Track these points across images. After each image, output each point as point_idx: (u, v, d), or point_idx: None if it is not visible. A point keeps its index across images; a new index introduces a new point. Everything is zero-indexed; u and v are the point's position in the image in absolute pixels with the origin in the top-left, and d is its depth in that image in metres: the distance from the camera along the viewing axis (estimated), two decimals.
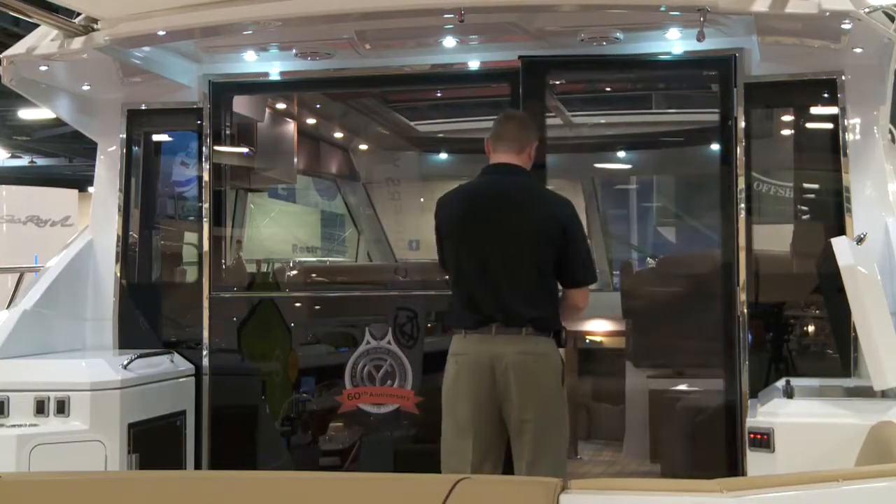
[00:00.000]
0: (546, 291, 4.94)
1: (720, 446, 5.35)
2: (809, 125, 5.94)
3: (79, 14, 5.55)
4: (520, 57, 5.66)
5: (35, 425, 5.24)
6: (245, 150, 7.12)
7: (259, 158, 7.47)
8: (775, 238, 5.95)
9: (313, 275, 8.25)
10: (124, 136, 6.44)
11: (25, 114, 16.68)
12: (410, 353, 5.97)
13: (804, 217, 6.01)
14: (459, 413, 4.82)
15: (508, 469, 4.91)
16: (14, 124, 18.24)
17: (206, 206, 6.22)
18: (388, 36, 5.74)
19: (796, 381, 4.95)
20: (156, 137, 6.63)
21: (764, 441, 4.52)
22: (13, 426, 5.22)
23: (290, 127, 7.86)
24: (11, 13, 5.79)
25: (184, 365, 6.08)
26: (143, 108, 6.47)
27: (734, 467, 5.24)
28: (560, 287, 5.03)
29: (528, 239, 4.88)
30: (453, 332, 4.97)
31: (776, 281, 5.74)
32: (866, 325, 4.56)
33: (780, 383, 4.96)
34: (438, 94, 7.87)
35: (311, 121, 8.52)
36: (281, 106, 7.67)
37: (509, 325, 4.82)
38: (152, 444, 5.60)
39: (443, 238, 5.06)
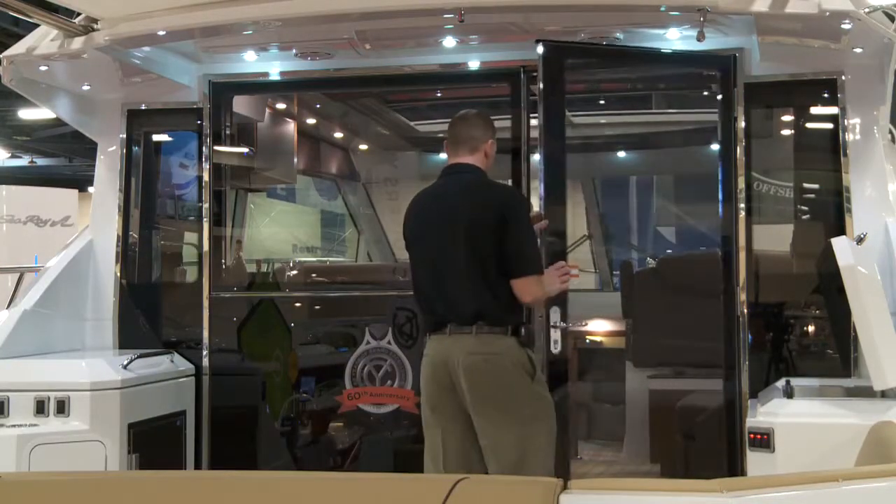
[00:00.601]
0: (490, 285, 4.77)
1: (720, 446, 5.35)
2: (809, 125, 5.94)
3: (79, 14, 5.55)
4: (538, 41, 5.57)
5: (35, 425, 5.24)
6: (245, 150, 7.12)
7: (259, 158, 7.47)
8: (775, 238, 5.95)
9: (313, 275, 8.25)
10: (124, 136, 6.44)
11: (25, 114, 16.67)
12: (410, 353, 5.97)
13: (804, 217, 6.01)
14: (426, 414, 4.87)
15: None
16: (14, 124, 18.23)
17: (206, 206, 6.22)
18: (388, 36, 5.74)
19: (796, 381, 4.95)
20: (156, 137, 6.64)
21: (764, 441, 4.52)
22: (13, 426, 5.22)
23: (290, 127, 7.86)
24: (11, 13, 5.79)
25: (184, 365, 6.08)
26: (143, 108, 6.47)
27: (734, 467, 5.24)
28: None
29: (465, 232, 4.79)
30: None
31: (776, 281, 5.73)
32: (866, 325, 4.56)
33: (780, 383, 4.97)
34: (438, 94, 7.87)
35: (311, 121, 8.52)
36: (281, 106, 7.67)
37: (461, 325, 4.77)
38: (152, 444, 5.60)
39: (406, 245, 5.10)
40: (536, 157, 8.85)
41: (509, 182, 5.91)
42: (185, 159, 6.66)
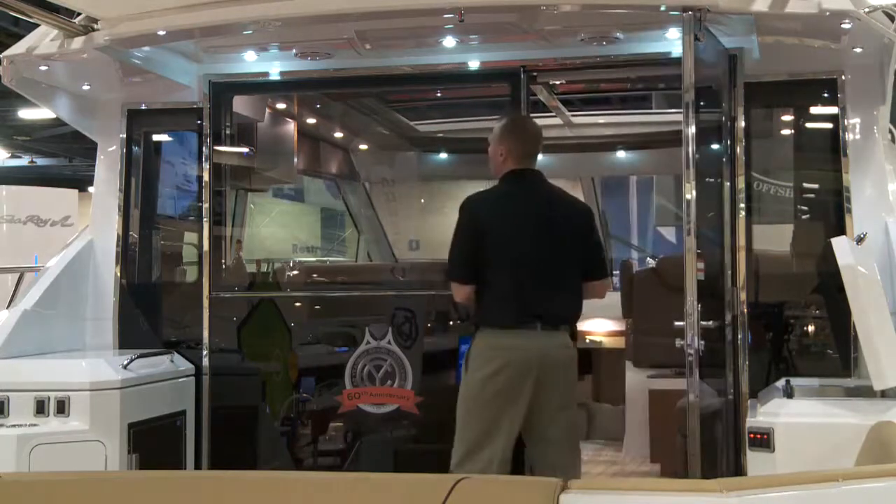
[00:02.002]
0: (580, 287, 5.31)
1: (720, 446, 5.35)
2: (809, 125, 5.94)
3: (79, 14, 5.55)
4: None
5: (35, 425, 5.24)
6: (245, 149, 7.12)
7: (259, 158, 7.47)
8: (775, 238, 5.95)
9: (313, 275, 8.25)
10: (124, 136, 6.44)
11: (25, 114, 16.67)
12: (410, 353, 5.97)
13: (804, 217, 6.01)
14: (493, 408, 5.04)
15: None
16: (14, 124, 18.22)
17: (206, 206, 6.22)
18: (388, 36, 5.74)
19: (796, 381, 4.95)
20: (156, 137, 6.63)
21: (764, 441, 4.52)
22: (13, 426, 5.22)
23: (290, 127, 7.86)
24: (11, 13, 5.79)
25: (184, 365, 6.07)
26: (143, 108, 6.47)
27: (734, 467, 5.24)
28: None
29: (567, 237, 5.24)
30: (483, 328, 5.17)
31: (776, 281, 5.73)
32: (866, 325, 4.56)
33: (780, 383, 4.97)
34: (438, 94, 7.87)
35: (311, 121, 8.52)
36: (281, 106, 7.67)
37: (554, 323, 5.14)
38: (152, 444, 5.60)
39: (484, 237, 5.18)
40: (538, 157, 8.89)
41: None
42: (185, 159, 6.66)
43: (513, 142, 5.32)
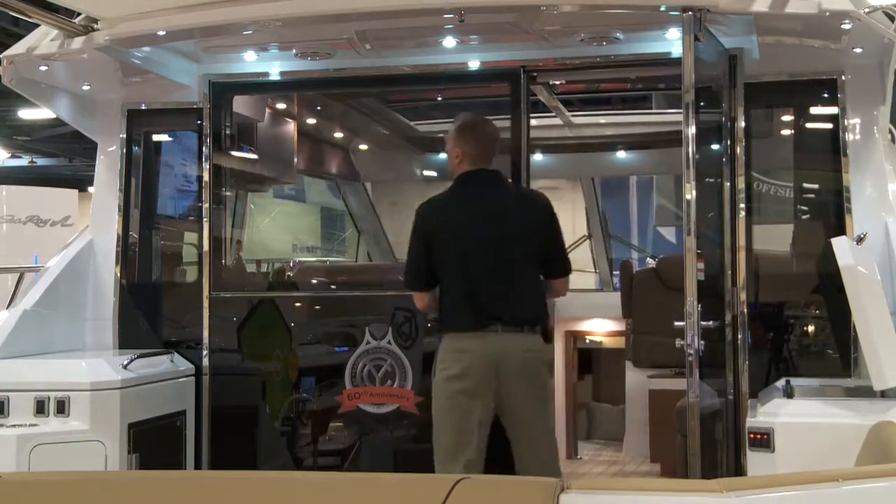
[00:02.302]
0: (539, 286, 5.24)
1: (720, 446, 5.35)
2: (809, 125, 5.94)
3: (79, 14, 5.55)
4: None
5: (35, 425, 5.24)
6: (245, 149, 7.12)
7: (259, 158, 7.47)
8: (775, 238, 5.95)
9: (313, 275, 8.25)
10: (124, 136, 6.44)
11: (25, 114, 16.66)
12: (410, 353, 5.97)
13: (804, 217, 6.01)
14: (461, 398, 5.03)
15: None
16: (14, 124, 18.22)
17: (206, 206, 6.22)
18: (388, 36, 5.74)
19: (796, 381, 4.95)
20: (156, 137, 6.63)
21: (764, 441, 4.52)
22: (13, 426, 5.22)
23: (290, 127, 7.86)
24: (11, 13, 5.79)
25: (184, 365, 6.07)
26: (143, 108, 6.47)
27: (734, 467, 5.24)
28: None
29: (521, 236, 5.15)
30: (446, 332, 5.17)
31: (776, 281, 5.73)
32: (866, 325, 4.56)
33: (780, 383, 4.97)
34: (438, 95, 7.87)
35: (311, 121, 8.52)
36: (281, 106, 7.67)
37: (514, 324, 5.06)
38: (152, 444, 5.60)
39: (435, 242, 5.18)
40: (537, 157, 8.90)
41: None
42: (185, 159, 6.66)
43: (466, 143, 5.26)
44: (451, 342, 5.12)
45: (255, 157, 7.28)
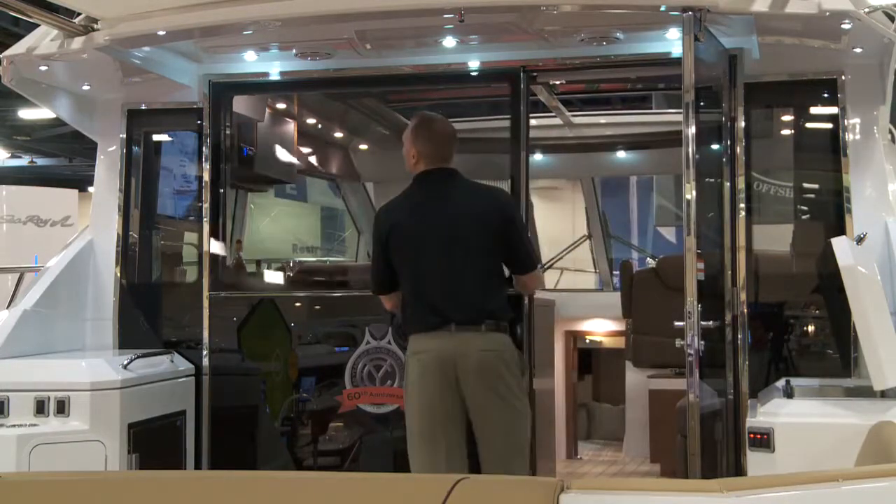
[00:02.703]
0: (496, 284, 5.13)
1: (720, 446, 5.35)
2: (809, 125, 5.94)
3: (79, 14, 5.55)
4: None
5: (35, 425, 5.24)
6: (245, 149, 7.12)
7: (259, 158, 7.47)
8: (775, 238, 5.95)
9: (313, 275, 8.24)
10: (124, 136, 6.44)
11: (25, 114, 16.66)
12: None
13: (804, 217, 6.01)
14: (422, 415, 4.98)
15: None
16: (14, 124, 18.22)
17: (206, 206, 6.22)
18: (388, 36, 5.74)
19: (796, 381, 4.95)
20: (156, 137, 6.63)
21: (764, 441, 4.52)
22: (13, 426, 5.22)
23: (290, 127, 7.86)
24: (11, 13, 5.79)
25: (184, 365, 6.07)
26: (143, 108, 6.47)
27: (734, 467, 5.24)
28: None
29: (471, 234, 5.04)
30: (409, 334, 5.12)
31: (776, 281, 5.73)
32: (866, 325, 4.56)
33: (780, 383, 4.97)
34: (438, 95, 7.87)
35: (311, 121, 8.52)
36: (281, 106, 7.67)
37: (468, 324, 4.97)
38: (152, 444, 5.60)
39: (391, 244, 5.13)
40: (538, 157, 8.90)
41: (508, 182, 5.89)
42: (185, 159, 6.66)
43: (421, 142, 5.18)
44: (412, 344, 5.08)
45: (254, 156, 7.28)
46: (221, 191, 6.36)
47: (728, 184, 5.60)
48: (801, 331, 5.72)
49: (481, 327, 4.97)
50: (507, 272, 5.28)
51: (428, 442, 4.97)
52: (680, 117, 4.81)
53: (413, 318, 5.09)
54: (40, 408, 5.28)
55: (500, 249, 5.09)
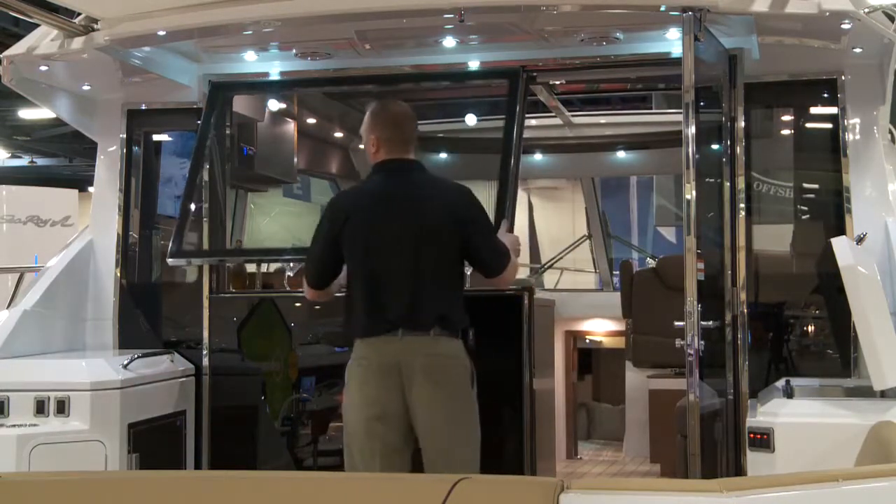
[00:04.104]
0: (448, 287, 4.78)
1: (720, 446, 5.35)
2: (809, 125, 5.95)
3: (79, 14, 5.55)
4: None
5: (35, 425, 5.23)
6: (245, 149, 7.12)
7: (259, 158, 7.47)
8: (775, 238, 5.95)
9: None
10: (124, 136, 6.44)
11: (25, 114, 16.67)
12: None
13: (804, 217, 6.01)
14: (361, 417, 4.66)
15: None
16: (14, 124, 18.23)
17: (206, 206, 6.22)
18: (388, 36, 5.74)
19: (796, 381, 4.95)
20: (156, 137, 6.64)
21: (764, 441, 4.52)
22: (13, 426, 5.21)
23: (290, 127, 7.86)
24: (11, 13, 5.79)
25: (184, 365, 6.07)
26: (143, 108, 6.47)
27: (734, 467, 5.24)
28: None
29: (425, 234, 4.71)
30: (354, 338, 4.80)
31: (776, 281, 5.74)
32: (866, 325, 4.56)
33: (780, 383, 4.97)
34: (438, 94, 7.87)
35: (311, 120, 8.52)
36: (281, 106, 7.67)
37: (416, 328, 4.66)
38: (152, 444, 5.60)
39: (342, 237, 4.81)
40: (538, 157, 8.90)
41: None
42: (186, 159, 6.65)
43: (378, 128, 4.89)
44: (356, 349, 4.74)
45: (254, 156, 7.28)
46: (221, 191, 6.36)
47: (728, 184, 5.60)
48: (801, 331, 5.72)
49: (430, 332, 4.65)
50: (466, 274, 4.99)
51: (361, 451, 4.66)
52: (680, 117, 4.81)
53: (360, 322, 4.75)
54: (40, 408, 5.28)
55: (461, 250, 4.76)
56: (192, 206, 6.08)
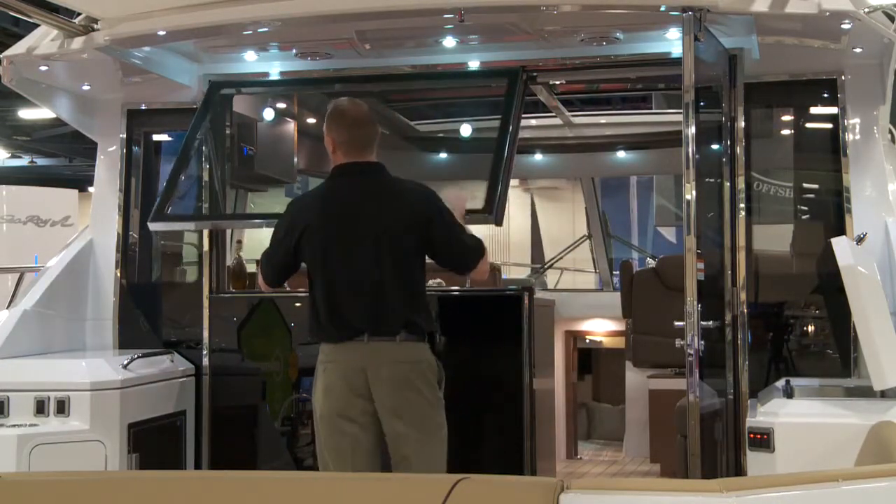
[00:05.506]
0: (413, 292, 4.74)
1: (720, 446, 5.35)
2: (809, 125, 5.94)
3: (79, 14, 5.55)
4: None
5: (35, 425, 5.24)
6: (245, 149, 7.12)
7: (259, 158, 7.47)
8: (775, 238, 5.95)
9: None
10: (124, 136, 6.44)
11: (25, 114, 16.67)
12: None
13: (804, 217, 6.01)
14: (332, 418, 4.65)
15: None
16: (14, 124, 18.24)
17: (206, 206, 6.22)
18: (388, 36, 5.74)
19: (796, 381, 4.96)
20: (156, 137, 6.63)
21: (764, 441, 4.52)
22: (13, 426, 5.22)
23: (291, 126, 7.86)
24: (11, 13, 5.79)
25: (184, 365, 6.08)
26: (143, 108, 6.47)
27: (734, 467, 5.24)
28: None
29: (388, 237, 4.65)
30: (320, 343, 4.78)
31: (776, 281, 5.74)
32: (866, 325, 4.56)
33: (780, 383, 4.97)
34: (438, 94, 7.87)
35: (311, 120, 8.52)
36: (281, 106, 7.67)
37: (382, 334, 4.63)
38: (152, 444, 5.60)
39: (302, 242, 4.75)
40: (538, 157, 8.90)
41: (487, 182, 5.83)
42: None
43: (334, 131, 4.79)
44: (322, 353, 4.72)
45: (254, 156, 7.28)
46: (221, 191, 6.36)
47: (728, 184, 5.61)
48: (801, 331, 5.72)
49: (396, 338, 4.61)
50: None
51: (333, 450, 4.65)
52: (680, 117, 4.81)
53: (324, 328, 4.71)
54: (40, 408, 5.28)
55: (424, 251, 4.71)
56: (182, 178, 6.07)
